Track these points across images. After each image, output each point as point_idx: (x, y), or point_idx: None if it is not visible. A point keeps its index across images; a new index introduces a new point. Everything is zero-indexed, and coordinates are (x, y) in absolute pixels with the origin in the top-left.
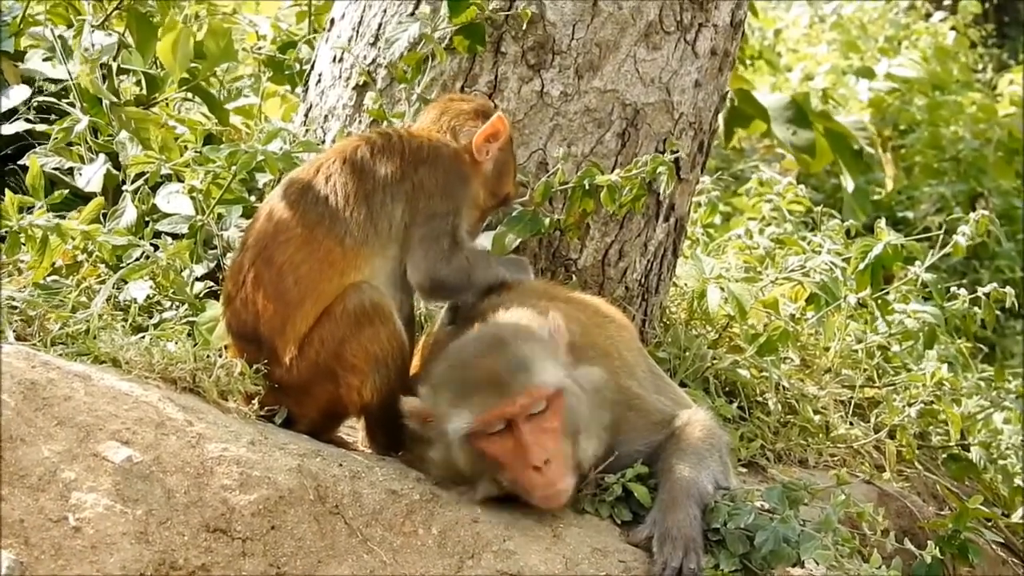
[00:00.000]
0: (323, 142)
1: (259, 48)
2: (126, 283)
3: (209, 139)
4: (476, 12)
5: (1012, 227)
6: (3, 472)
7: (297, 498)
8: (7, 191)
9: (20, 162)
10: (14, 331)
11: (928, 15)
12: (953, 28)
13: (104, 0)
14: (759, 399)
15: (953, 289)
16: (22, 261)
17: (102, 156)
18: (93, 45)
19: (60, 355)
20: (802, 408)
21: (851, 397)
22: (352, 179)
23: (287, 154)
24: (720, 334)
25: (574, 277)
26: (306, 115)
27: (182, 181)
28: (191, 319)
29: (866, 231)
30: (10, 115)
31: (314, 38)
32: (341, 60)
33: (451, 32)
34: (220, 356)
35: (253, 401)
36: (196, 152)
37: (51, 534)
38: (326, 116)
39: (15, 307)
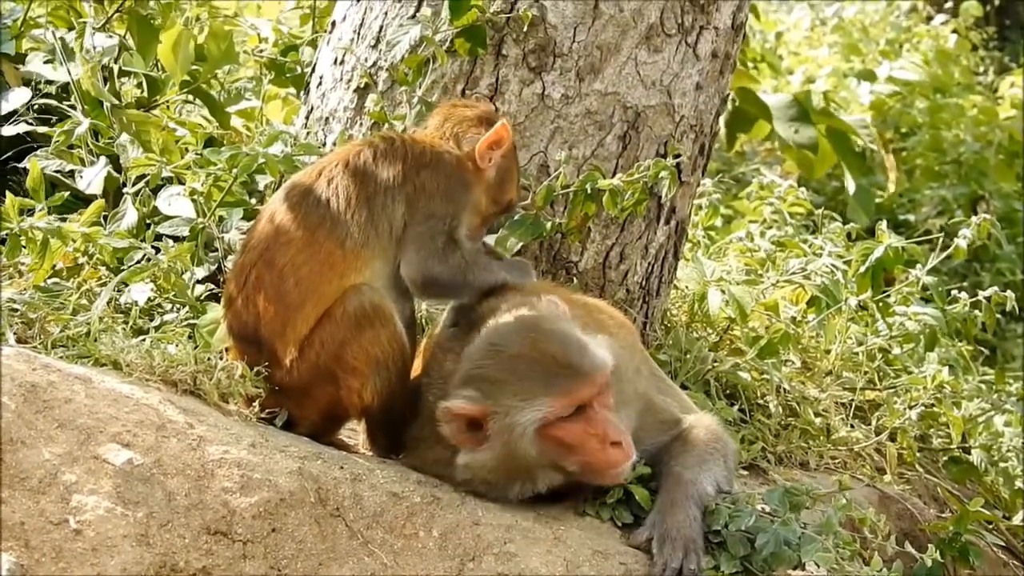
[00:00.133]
0: (324, 145)
1: (260, 51)
2: (127, 286)
3: (210, 142)
4: (477, 14)
5: (1013, 230)
6: (4, 474)
7: (298, 500)
8: (8, 193)
9: (21, 164)
10: (15, 333)
11: (929, 18)
12: (954, 31)
13: (105, 2)
14: (760, 402)
15: (954, 292)
16: (23, 263)
17: (103, 158)
18: (94, 47)
19: (61, 358)
20: (803, 411)
21: (852, 400)
22: (354, 182)
23: (288, 157)
24: (721, 337)
25: (575, 280)
26: (307, 118)
27: (183, 184)
28: (192, 322)
29: (867, 234)
30: (11, 117)
31: (315, 41)
32: (342, 63)
33: (452, 34)
34: (221, 359)
35: (254, 404)
36: (197, 155)
37: (52, 536)
38: (327, 119)
39: (16, 309)
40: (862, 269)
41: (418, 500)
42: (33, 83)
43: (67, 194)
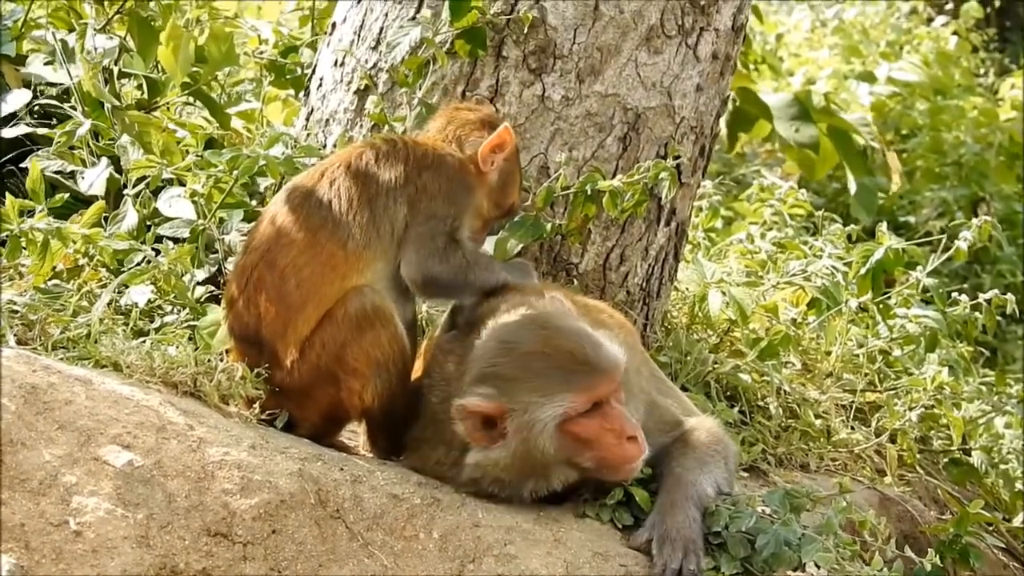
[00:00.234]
0: (324, 146)
1: (261, 52)
2: (127, 287)
3: (211, 143)
4: (477, 16)
5: (1013, 232)
6: (4, 476)
7: (298, 502)
8: (8, 195)
9: (21, 166)
10: (15, 335)
11: (930, 19)
12: (955, 32)
13: (106, 4)
14: (760, 403)
15: (954, 294)
16: (23, 265)
17: (103, 160)
18: (95, 49)
19: (61, 359)
20: (803, 412)
21: (852, 401)
22: (356, 184)
23: (289, 158)
24: (721, 338)
25: (575, 281)
26: (307, 119)
27: (184, 185)
28: (192, 323)
29: (867, 236)
30: (11, 119)
31: (315, 42)
32: (342, 64)
33: (452, 36)
34: (221, 360)
35: (254, 405)
36: (198, 156)
37: (52, 538)
38: (327, 120)
39: (16, 311)
40: (862, 271)
41: (418, 502)
42: (34, 84)
43: (67, 195)
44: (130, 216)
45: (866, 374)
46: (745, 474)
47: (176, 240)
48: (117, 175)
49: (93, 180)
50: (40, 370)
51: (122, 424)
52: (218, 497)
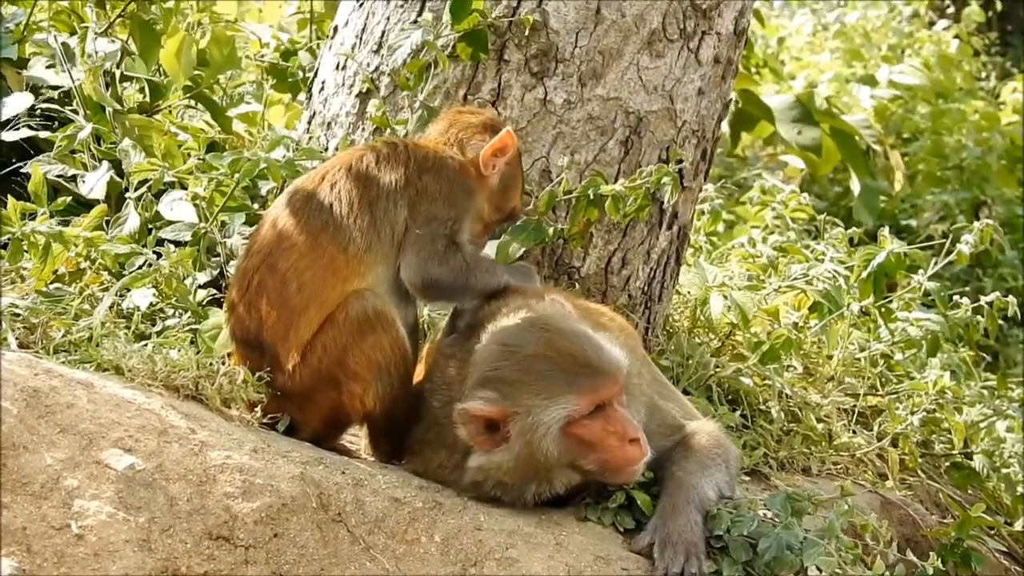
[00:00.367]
0: (326, 149)
1: (262, 56)
2: (129, 291)
3: (212, 146)
4: (479, 19)
5: (1015, 235)
6: (6, 480)
7: (300, 506)
8: (10, 198)
9: (23, 169)
10: (17, 339)
11: (931, 23)
12: (956, 36)
13: (107, 7)
14: (762, 407)
15: (956, 298)
16: (25, 268)
17: (105, 163)
18: (96, 52)
19: (63, 363)
20: (805, 416)
21: (854, 405)
22: (356, 187)
23: (290, 162)
24: (723, 342)
25: (577, 285)
26: (309, 122)
27: (185, 188)
28: (194, 327)
29: (869, 239)
30: (13, 122)
31: (317, 45)
32: (344, 67)
33: (454, 39)
34: (223, 364)
35: (256, 409)
36: (199, 159)
37: (53, 542)
38: (329, 123)
39: (18, 314)
40: (864, 274)
41: (420, 505)
42: (35, 88)
43: (69, 199)
44: (132, 219)
45: (868, 378)
46: (747, 478)
47: (178, 243)
48: (119, 178)
49: (94, 183)
50: (42, 373)
51: (124, 428)
52: (220, 501)
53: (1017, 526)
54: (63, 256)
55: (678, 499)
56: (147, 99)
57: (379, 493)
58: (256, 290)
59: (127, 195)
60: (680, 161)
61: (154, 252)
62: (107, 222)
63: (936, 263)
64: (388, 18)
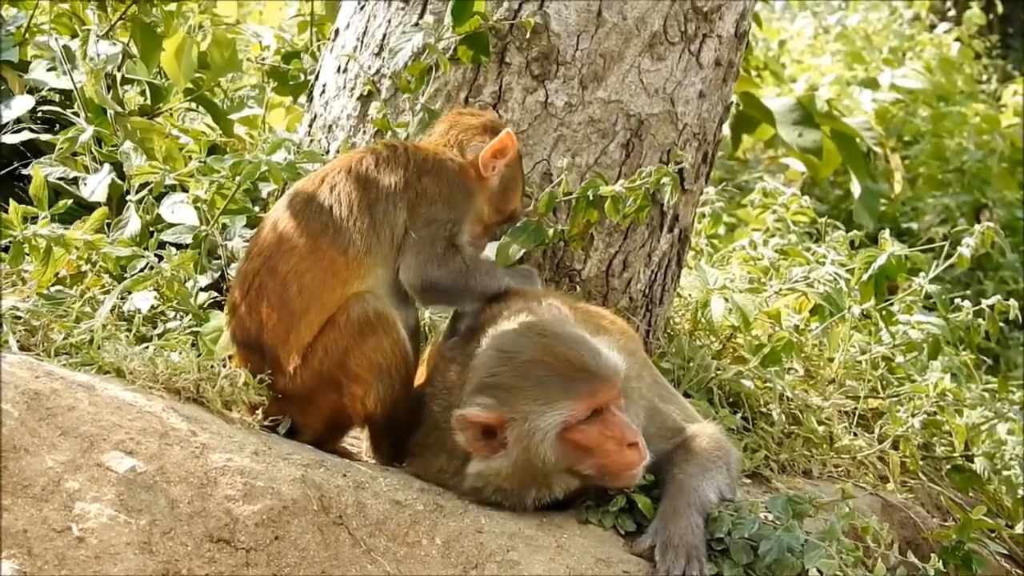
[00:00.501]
0: (327, 152)
1: (263, 58)
2: (130, 293)
3: (213, 149)
4: (480, 22)
5: (1016, 238)
6: (7, 482)
7: (301, 508)
8: (11, 201)
9: (24, 172)
10: (18, 341)
11: (932, 26)
12: (957, 39)
13: (109, 10)
14: (763, 410)
15: (957, 300)
16: (26, 271)
17: (106, 166)
18: (97, 55)
19: (64, 365)
20: (806, 419)
21: (855, 408)
22: (356, 189)
23: (291, 164)
24: (724, 345)
25: (578, 288)
26: (310, 125)
27: (186, 191)
28: (195, 329)
29: (870, 242)
30: (14, 125)
31: (318, 48)
32: (345, 70)
33: (455, 42)
34: (224, 366)
35: (257, 411)
36: (200, 162)
37: (55, 544)
38: (330, 126)
39: (19, 317)
40: (865, 277)
41: (421, 508)
42: (36, 90)
43: (70, 202)
44: (133, 222)
45: (869, 380)
46: (748, 480)
47: (179, 246)
48: (120, 181)
49: (96, 186)
50: (43, 376)
51: (125, 430)
52: (221, 503)
53: (1018, 529)
54: (64, 259)
55: (679, 502)
56: (148, 102)
57: (380, 496)
58: (257, 293)
59: (128, 198)
60: (679, 161)
61: (155, 255)
62: (108, 225)
63: (937, 266)
64: (389, 21)
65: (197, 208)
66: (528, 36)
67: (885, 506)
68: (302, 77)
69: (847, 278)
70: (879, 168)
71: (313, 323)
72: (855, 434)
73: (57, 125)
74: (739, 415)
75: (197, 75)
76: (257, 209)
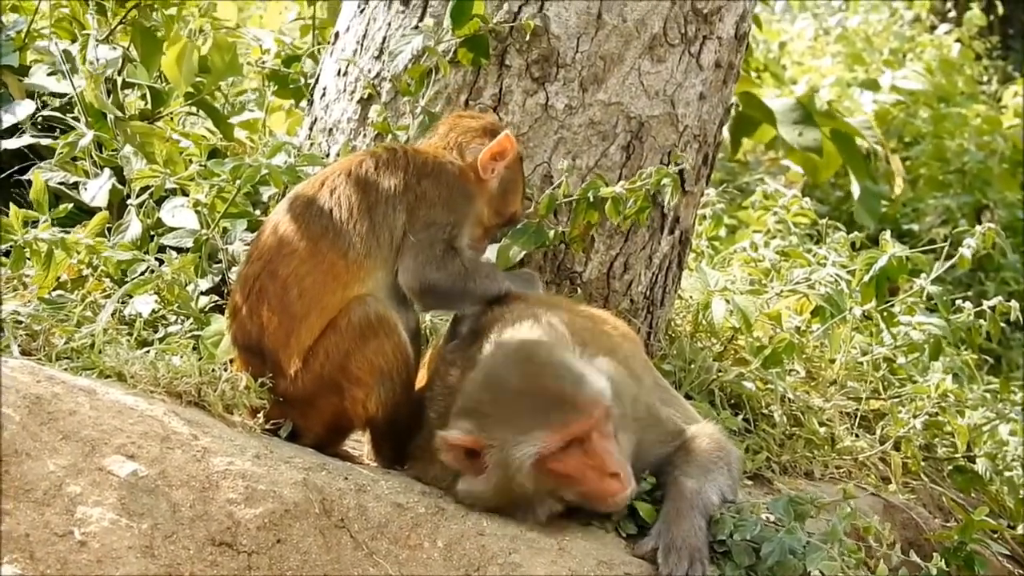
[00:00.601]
0: (327, 156)
1: (263, 62)
2: (131, 297)
3: (214, 153)
4: (480, 25)
5: (1017, 239)
6: (8, 486)
7: (303, 512)
8: (12, 205)
9: (25, 176)
10: (19, 346)
11: (933, 27)
12: (958, 40)
13: (109, 14)
14: (764, 411)
15: (958, 301)
16: (27, 275)
17: (107, 170)
18: (98, 59)
19: (65, 369)
20: (807, 420)
21: (857, 409)
22: (356, 192)
23: (291, 168)
24: (725, 346)
25: (579, 290)
26: (311, 129)
27: (187, 195)
28: (196, 333)
29: (871, 243)
30: (15, 130)
31: (318, 52)
32: (345, 74)
33: (455, 45)
34: (225, 370)
35: (258, 415)
36: (201, 166)
37: (56, 548)
38: (331, 130)
39: (20, 322)
40: (866, 278)
41: (423, 511)
42: (37, 95)
43: (71, 206)
44: (134, 226)
45: (870, 382)
46: (749, 482)
47: (180, 250)
48: (120, 186)
49: (96, 191)
50: (44, 380)
51: (126, 434)
52: (222, 507)
53: (1020, 529)
54: (65, 263)
55: (682, 504)
56: (148, 106)
57: (382, 499)
58: (257, 296)
59: (129, 202)
60: (680, 162)
61: (156, 259)
62: (109, 229)
63: (938, 267)
64: (389, 24)
65: (198, 212)
66: (528, 38)
67: (887, 507)
68: (302, 81)
69: (848, 279)
70: (880, 170)
71: (314, 326)
72: (857, 435)
73: (57, 130)
74: (740, 417)
75: (197, 79)
76: (258, 213)
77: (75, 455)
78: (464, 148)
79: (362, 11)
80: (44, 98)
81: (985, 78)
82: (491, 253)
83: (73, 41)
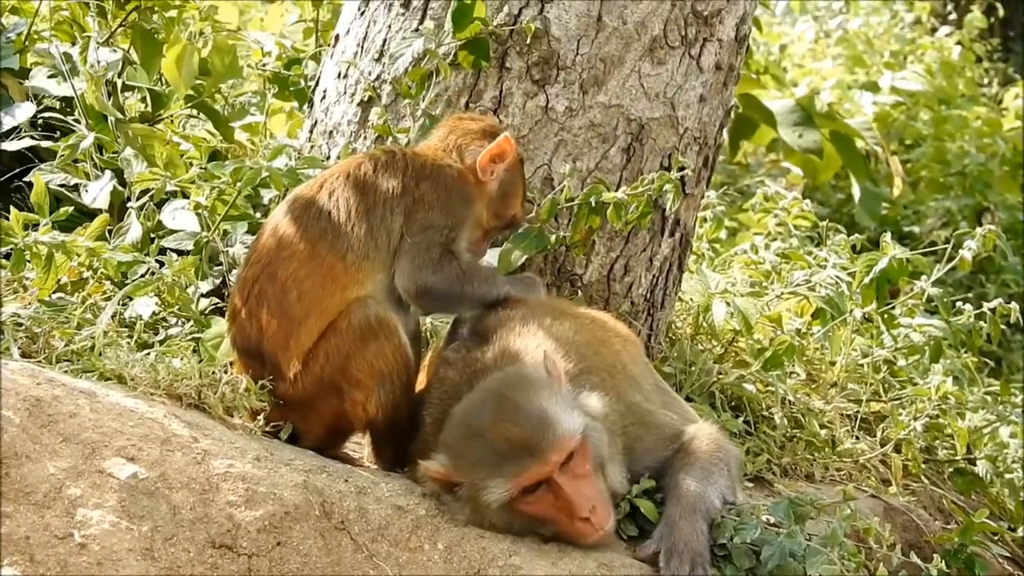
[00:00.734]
0: (328, 158)
1: (264, 65)
2: (131, 300)
3: (214, 155)
4: (480, 27)
5: (1017, 241)
6: (8, 489)
7: (303, 514)
8: (12, 208)
9: (25, 179)
10: (19, 348)
11: (934, 30)
12: (959, 43)
13: (109, 17)
14: (765, 414)
15: (959, 303)
16: (27, 278)
17: (107, 173)
18: (98, 62)
19: (65, 372)
20: (808, 422)
21: (857, 411)
22: (355, 195)
23: (292, 170)
24: (726, 349)
25: (580, 292)
26: (311, 131)
27: (187, 197)
28: (196, 335)
29: (872, 245)
30: (15, 132)
31: (319, 54)
32: (346, 76)
33: (455, 47)
34: (225, 372)
35: (258, 417)
36: (201, 168)
37: (57, 551)
38: (331, 132)
39: (20, 324)
40: (867, 281)
41: (423, 513)
42: (37, 98)
43: (71, 209)
44: (134, 229)
45: (871, 384)
46: (750, 484)
47: (180, 252)
48: (121, 188)
49: (97, 193)
50: (44, 383)
51: (126, 436)
52: (223, 509)
53: (1020, 531)
54: (66, 266)
55: (683, 507)
56: (149, 108)
57: (382, 501)
58: (257, 299)
59: (129, 204)
60: (682, 168)
61: (156, 261)
62: (109, 231)
63: (939, 269)
64: (389, 26)
65: (198, 214)
66: (528, 41)
67: (887, 509)
68: (303, 83)
69: (848, 281)
70: (880, 172)
71: (313, 329)
72: (857, 438)
73: (58, 132)
74: (741, 419)
75: (198, 81)
76: (258, 215)
77: (75, 457)
78: (463, 150)
79: (363, 14)
80: (44, 100)
81: (986, 80)
82: (492, 257)
83: (73, 43)
